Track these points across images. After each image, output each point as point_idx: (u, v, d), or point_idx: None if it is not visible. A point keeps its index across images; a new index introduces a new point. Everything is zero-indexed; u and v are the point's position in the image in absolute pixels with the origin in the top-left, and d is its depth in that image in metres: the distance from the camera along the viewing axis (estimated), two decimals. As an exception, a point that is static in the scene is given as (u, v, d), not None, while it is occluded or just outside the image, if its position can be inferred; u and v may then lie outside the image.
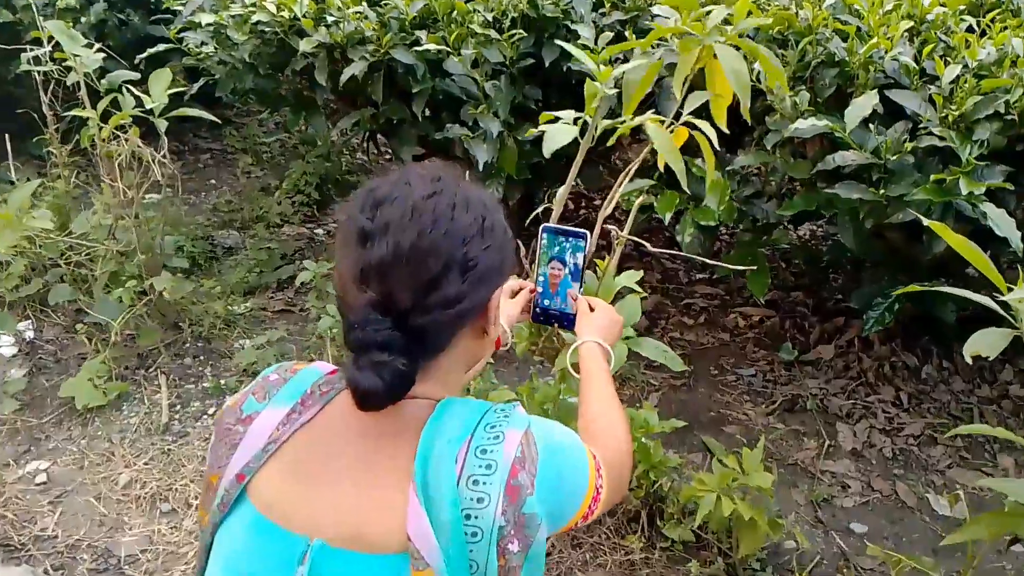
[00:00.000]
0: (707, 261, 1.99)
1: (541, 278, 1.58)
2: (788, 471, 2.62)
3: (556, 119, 1.61)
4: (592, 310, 1.56)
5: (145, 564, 2.29)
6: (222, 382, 3.00)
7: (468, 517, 0.80)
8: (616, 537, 2.33)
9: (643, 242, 1.75)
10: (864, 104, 1.95)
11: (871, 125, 2.02)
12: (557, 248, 1.61)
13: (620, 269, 1.98)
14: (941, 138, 1.90)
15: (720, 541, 2.25)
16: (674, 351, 3.26)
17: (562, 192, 1.83)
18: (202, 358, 3.18)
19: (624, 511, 2.36)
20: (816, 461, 2.66)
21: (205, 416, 2.85)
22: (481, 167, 2.61)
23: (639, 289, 2.03)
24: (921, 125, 1.99)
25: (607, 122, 1.54)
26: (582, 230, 1.63)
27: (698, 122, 1.50)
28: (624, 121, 1.56)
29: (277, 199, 4.51)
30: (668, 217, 2.53)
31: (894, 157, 1.97)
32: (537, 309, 1.59)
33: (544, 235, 1.61)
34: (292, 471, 0.87)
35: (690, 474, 2.43)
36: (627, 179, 1.82)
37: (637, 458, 2.25)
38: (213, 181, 4.96)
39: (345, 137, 4.05)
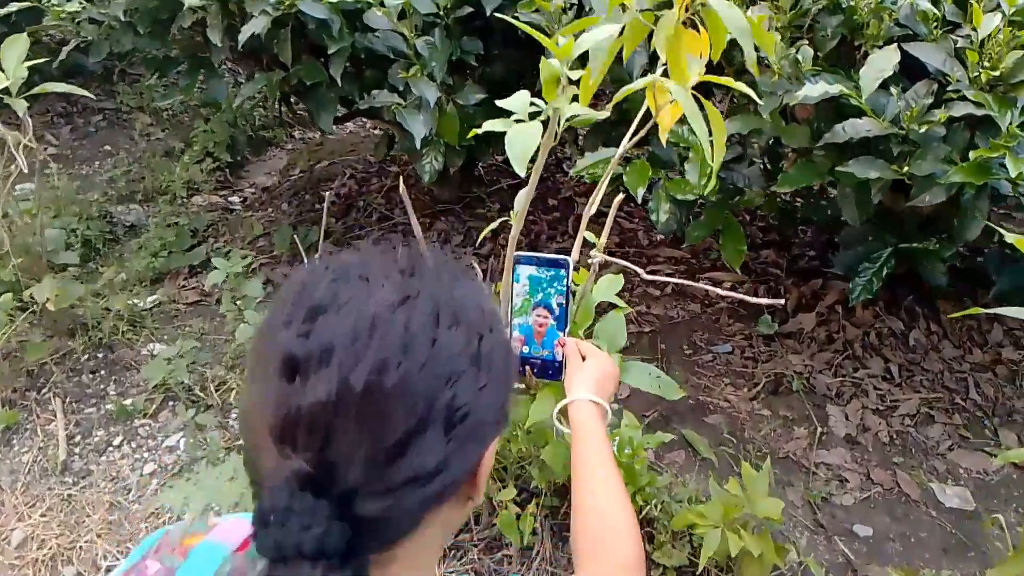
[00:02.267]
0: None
1: (519, 325, 1.28)
2: (780, 466, 2.37)
3: (505, 114, 1.22)
4: (583, 358, 1.23)
5: (47, 648, 1.91)
6: (128, 402, 2.58)
7: None
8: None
9: (635, 268, 1.40)
10: (883, 62, 1.61)
11: (892, 88, 1.68)
12: (540, 292, 1.29)
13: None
14: (977, 104, 1.58)
15: (719, 567, 1.99)
16: (642, 327, 2.98)
17: (523, 201, 1.46)
18: (103, 372, 2.74)
19: (608, 539, 2.07)
20: (809, 452, 2.41)
21: (111, 449, 2.44)
22: (418, 143, 2.19)
23: (622, 303, 1.70)
24: (951, 88, 1.66)
25: (621, 92, 1.16)
26: (562, 257, 1.29)
27: (725, 79, 1.14)
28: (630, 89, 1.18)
29: (184, 165, 3.98)
30: (640, 193, 2.18)
31: (920, 127, 1.64)
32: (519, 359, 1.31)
33: (520, 271, 1.28)
34: None
35: (678, 489, 2.15)
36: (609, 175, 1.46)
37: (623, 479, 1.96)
38: (108, 147, 4.38)
39: (253, 101, 3.54)
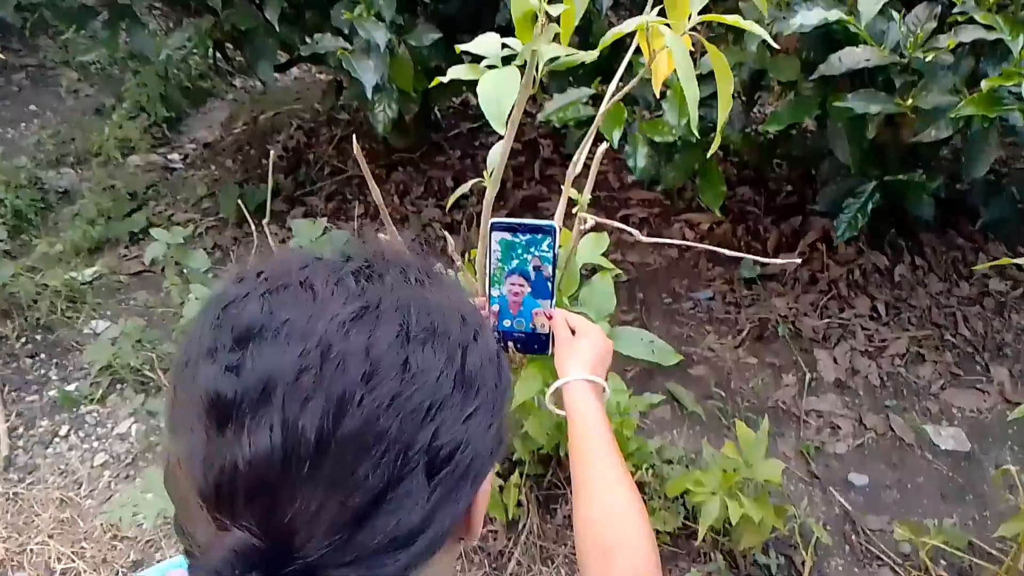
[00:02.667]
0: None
1: (493, 297, 1.12)
2: (770, 415, 2.27)
3: (472, 59, 1.05)
4: (572, 332, 1.09)
5: (0, 665, 1.76)
6: (72, 388, 2.39)
7: None
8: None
9: (632, 231, 1.25)
10: (883, -17, 1.45)
11: (891, 11, 1.52)
12: (515, 258, 1.11)
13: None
14: (987, 27, 1.43)
15: (715, 531, 1.90)
16: (617, 277, 2.84)
17: (497, 159, 1.29)
18: (43, 356, 2.53)
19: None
20: (799, 400, 2.31)
21: (57, 440, 2.25)
22: (369, 92, 1.98)
23: (609, 264, 1.54)
24: (956, 10, 1.50)
25: (611, 34, 0.98)
26: (547, 222, 1.09)
27: (732, 19, 0.96)
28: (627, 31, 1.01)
29: (115, 123, 3.70)
30: (616, 136, 2.01)
31: (924, 56, 1.48)
32: (495, 333, 1.14)
33: (495, 239, 1.10)
34: None
35: (667, 450, 2.04)
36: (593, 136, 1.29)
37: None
38: (33, 107, 4.06)
39: (184, 50, 3.26)
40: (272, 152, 1.95)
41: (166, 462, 0.47)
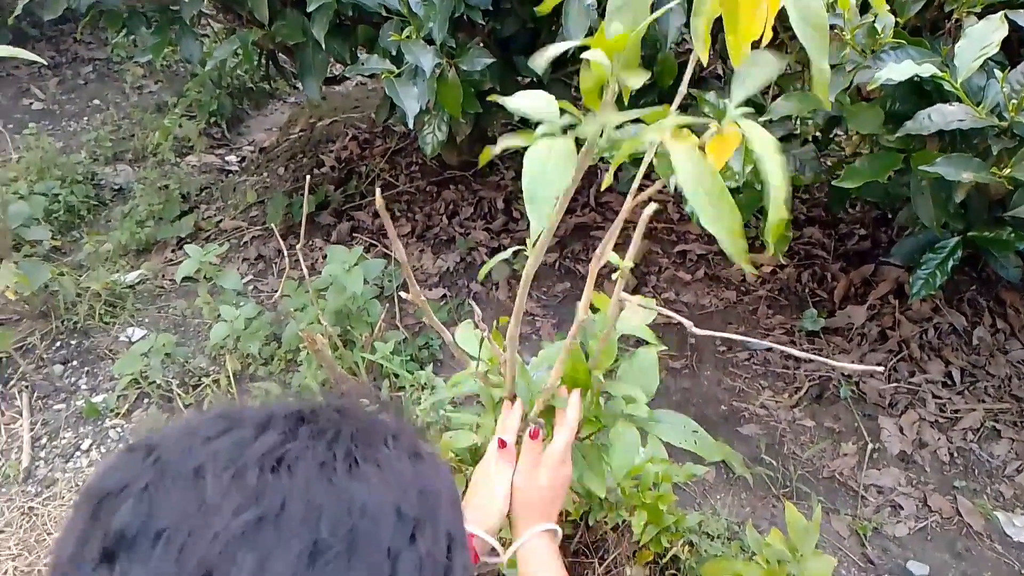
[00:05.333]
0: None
1: None
2: (825, 487, 2.09)
3: (513, 126, 0.91)
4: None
5: None
6: (99, 399, 2.34)
7: None
8: (617, 609, 1.80)
9: (682, 319, 1.10)
10: (986, 35, 1.27)
11: (993, 69, 1.34)
12: None
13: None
14: (1107, 90, 1.24)
15: (753, 619, 1.73)
16: (669, 319, 2.68)
17: (540, 246, 1.16)
18: (76, 363, 2.50)
19: (626, 583, 1.82)
20: (858, 472, 2.12)
21: (78, 454, 2.21)
22: (411, 120, 1.87)
23: (653, 338, 1.41)
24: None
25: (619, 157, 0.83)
26: None
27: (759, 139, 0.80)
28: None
29: (171, 122, 3.69)
30: (673, 181, 1.86)
31: (1026, 118, 1.30)
32: None
33: None
34: None
35: (708, 520, 1.89)
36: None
37: (645, 518, 1.70)
38: (97, 101, 4.08)
39: (238, 57, 3.22)
40: (309, 178, 1.86)
41: None
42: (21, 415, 2.29)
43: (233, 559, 0.36)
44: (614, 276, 1.30)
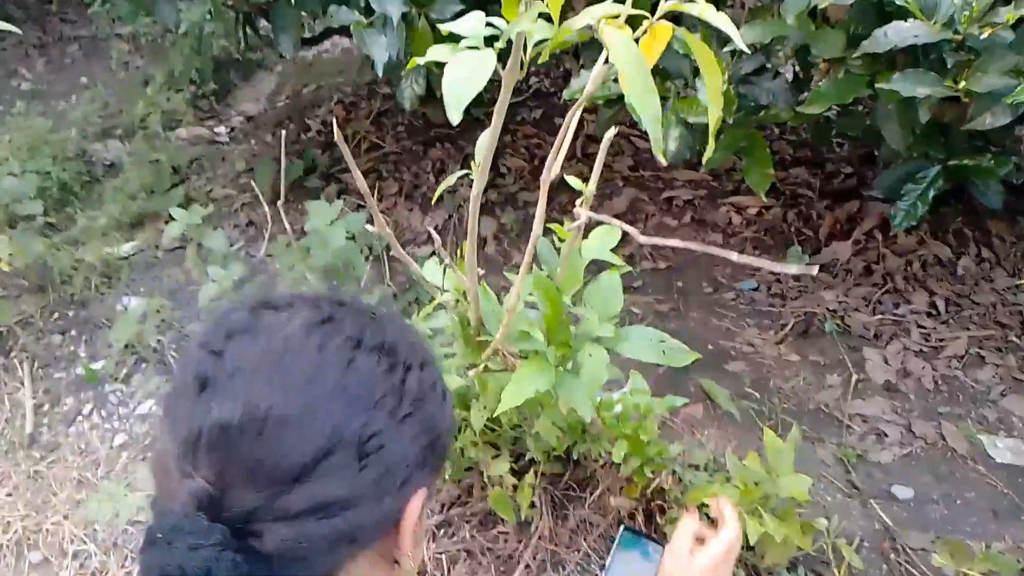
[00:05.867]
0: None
1: (615, 566, 1.54)
2: (810, 419, 2.13)
3: (452, 38, 0.95)
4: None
5: (11, 645, 1.78)
6: (98, 366, 2.39)
7: None
8: (606, 541, 1.84)
9: (630, 229, 1.13)
10: (938, -50, 1.27)
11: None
12: (635, 552, 1.53)
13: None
14: (1060, -1, 1.25)
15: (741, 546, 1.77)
16: (657, 263, 2.70)
17: (485, 148, 1.18)
18: (73, 333, 2.54)
19: (615, 515, 1.86)
20: (843, 402, 2.16)
21: (80, 418, 2.26)
22: (380, 69, 1.88)
23: (619, 261, 1.43)
24: (1023, -21, 1.31)
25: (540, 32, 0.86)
26: (660, 541, 1.46)
27: (700, 7, 0.82)
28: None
29: (160, 94, 3.70)
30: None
31: (980, 32, 1.31)
32: None
33: (624, 535, 1.51)
34: None
35: (692, 451, 1.92)
36: (575, 113, 1.18)
37: (628, 450, 1.73)
38: (84, 79, 4.09)
39: (212, 22, 3.22)
40: (284, 134, 1.88)
41: (158, 434, 0.57)
42: (23, 384, 2.35)
43: (307, 336, 0.55)
44: (578, 202, 1.33)
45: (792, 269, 1.06)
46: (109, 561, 1.89)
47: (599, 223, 1.47)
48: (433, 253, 2.65)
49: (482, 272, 1.38)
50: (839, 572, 1.73)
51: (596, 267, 1.43)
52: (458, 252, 1.34)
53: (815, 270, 1.03)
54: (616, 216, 2.81)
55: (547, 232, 1.42)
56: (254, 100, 3.99)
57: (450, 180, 1.32)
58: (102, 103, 3.81)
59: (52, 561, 1.92)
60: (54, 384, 2.37)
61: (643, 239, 1.16)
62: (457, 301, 1.37)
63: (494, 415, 1.36)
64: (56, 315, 2.60)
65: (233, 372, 0.53)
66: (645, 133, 3.15)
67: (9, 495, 2.07)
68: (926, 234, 2.55)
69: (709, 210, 2.81)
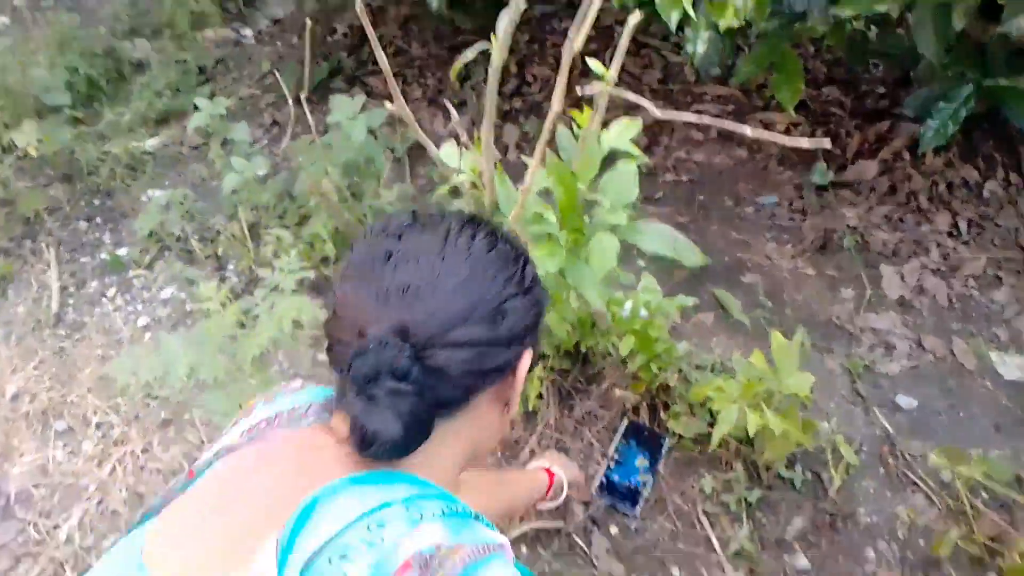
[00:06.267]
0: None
1: (616, 454, 1.81)
2: (821, 330, 2.13)
3: None
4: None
5: (40, 503, 1.87)
6: (123, 252, 2.45)
7: None
8: (609, 432, 1.89)
9: (645, 102, 1.13)
10: None
11: None
12: (635, 439, 1.85)
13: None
14: None
15: (739, 440, 1.81)
16: (680, 176, 2.69)
17: (504, 25, 1.18)
18: (99, 220, 2.60)
19: (620, 407, 1.90)
20: (855, 316, 2.16)
21: (104, 300, 2.33)
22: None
23: (637, 151, 1.43)
24: None
25: None
26: (662, 434, 1.84)
27: None
28: None
29: (184, -6, 3.67)
30: (674, 18, 1.84)
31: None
32: (603, 480, 1.78)
33: (628, 426, 1.86)
34: (206, 496, 0.71)
35: (700, 354, 1.95)
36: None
37: (635, 346, 1.76)
38: (114, -24, 4.06)
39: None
40: (310, 25, 1.87)
41: (332, 306, 0.74)
42: (49, 266, 2.41)
43: (461, 229, 0.74)
44: (592, 85, 1.33)
45: (803, 143, 1.06)
46: (131, 432, 1.98)
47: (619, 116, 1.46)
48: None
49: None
50: (836, 471, 1.76)
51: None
52: (476, 138, 1.34)
53: (826, 142, 1.03)
54: (643, 130, 2.80)
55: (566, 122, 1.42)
56: (281, 3, 3.95)
57: (468, 55, 1.32)
58: (131, 1, 3.80)
59: (76, 430, 2.01)
60: (80, 268, 2.43)
61: (658, 113, 1.16)
62: (473, 184, 1.39)
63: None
64: (83, 203, 2.65)
65: (411, 250, 0.71)
66: (676, 45, 3.09)
67: (35, 369, 2.15)
68: (955, 156, 2.50)
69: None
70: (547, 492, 1.59)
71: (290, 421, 0.81)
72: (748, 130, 1.10)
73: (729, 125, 1.09)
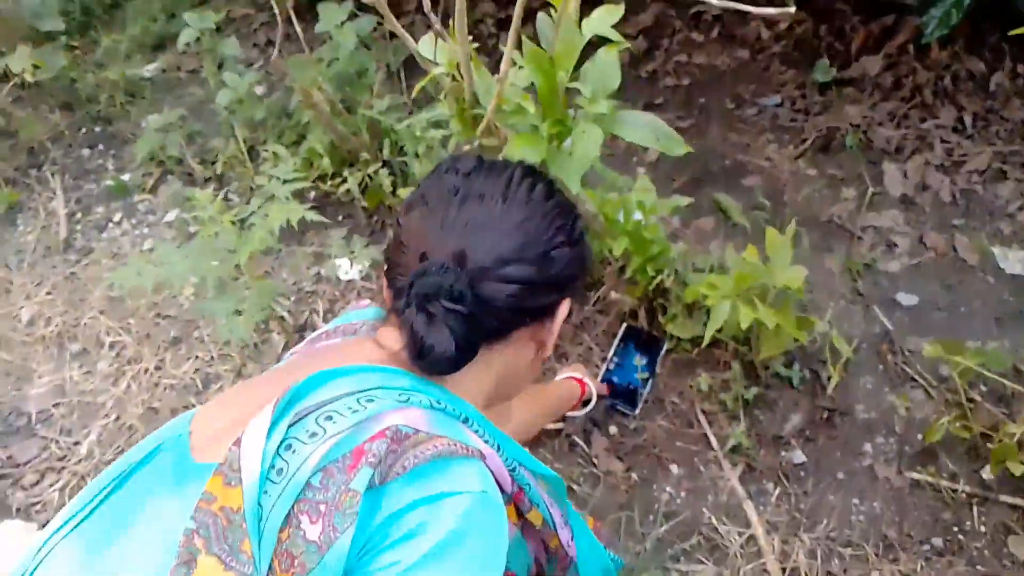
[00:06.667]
0: None
1: (616, 357, 1.85)
2: (820, 231, 2.13)
3: None
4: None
5: (59, 421, 1.94)
6: (126, 178, 2.47)
7: (288, 447, 0.67)
8: (608, 337, 1.92)
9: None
10: None
11: None
12: (634, 342, 1.88)
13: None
14: None
15: (736, 340, 1.83)
16: (680, 79, 2.64)
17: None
18: (101, 147, 2.61)
19: (618, 311, 1.92)
20: (856, 215, 2.15)
21: (111, 224, 2.36)
22: None
23: (618, 37, 1.40)
24: None
25: None
26: (660, 337, 1.87)
27: None
28: None
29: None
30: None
31: None
32: (603, 381, 1.81)
33: (627, 331, 1.89)
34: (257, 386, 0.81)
35: (698, 258, 1.95)
36: None
37: (630, 248, 1.76)
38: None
39: None
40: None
41: (394, 235, 0.82)
42: (55, 194, 2.44)
43: (523, 176, 0.82)
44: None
45: (770, 11, 1.04)
46: (143, 350, 2.03)
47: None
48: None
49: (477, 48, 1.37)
50: (835, 369, 1.78)
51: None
52: (449, 23, 1.32)
53: (791, 10, 1.01)
54: (641, 31, 2.74)
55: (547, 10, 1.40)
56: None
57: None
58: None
59: (90, 351, 2.07)
60: (85, 195, 2.46)
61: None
62: (452, 76, 1.38)
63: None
64: (84, 131, 2.66)
65: (476, 189, 0.79)
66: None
67: (48, 293, 2.20)
68: (960, 49, 2.43)
69: (739, 26, 2.70)
70: (579, 401, 1.69)
71: (344, 334, 0.93)
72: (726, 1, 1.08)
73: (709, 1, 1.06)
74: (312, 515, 0.63)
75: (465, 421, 0.78)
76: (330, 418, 0.69)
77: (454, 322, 0.72)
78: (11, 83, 2.48)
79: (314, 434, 0.67)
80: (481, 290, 0.74)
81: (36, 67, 2.39)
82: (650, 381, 1.82)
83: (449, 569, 0.65)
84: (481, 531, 0.68)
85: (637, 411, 1.78)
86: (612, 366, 1.84)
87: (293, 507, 0.64)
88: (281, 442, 0.67)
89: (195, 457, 0.70)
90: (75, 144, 2.61)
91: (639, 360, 1.84)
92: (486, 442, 0.79)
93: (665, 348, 1.87)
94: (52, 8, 2.93)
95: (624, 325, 1.90)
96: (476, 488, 0.69)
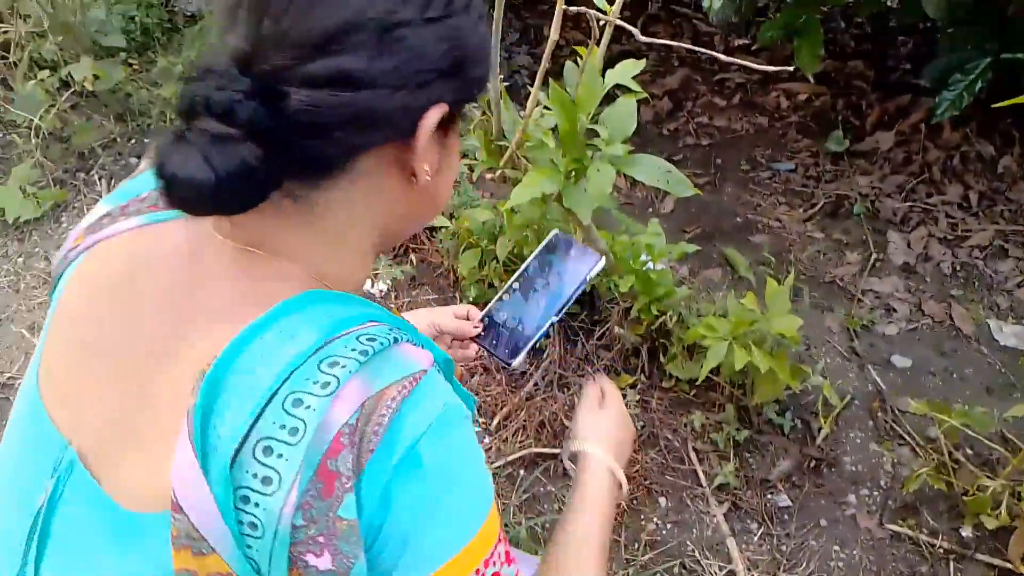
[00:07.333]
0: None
1: (516, 284, 1.10)
2: (823, 291, 2.21)
3: None
4: (603, 400, 1.05)
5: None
6: (169, 187, 2.61)
7: (246, 500, 0.53)
8: (610, 375, 2.00)
9: (630, 28, 1.22)
10: None
11: None
12: (555, 259, 1.09)
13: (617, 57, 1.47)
14: None
15: (732, 384, 1.91)
16: (699, 139, 2.77)
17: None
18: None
19: (620, 349, 2.01)
20: (858, 278, 2.23)
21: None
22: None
23: (637, 87, 1.52)
24: None
25: None
26: (597, 254, 1.07)
27: None
28: None
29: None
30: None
31: None
32: (487, 317, 1.10)
33: (552, 240, 1.11)
34: (77, 316, 0.63)
35: (702, 304, 2.04)
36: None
37: (636, 288, 1.86)
38: (171, -69, 4.23)
39: None
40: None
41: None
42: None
43: None
44: (601, 21, 1.42)
45: (769, 69, 1.14)
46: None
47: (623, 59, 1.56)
48: (484, 113, 2.75)
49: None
50: (825, 421, 1.85)
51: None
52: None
53: (789, 69, 1.11)
54: (667, 92, 2.87)
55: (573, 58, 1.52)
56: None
57: None
58: (186, -45, 3.95)
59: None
60: (129, 200, 2.59)
61: (642, 38, 1.24)
62: (483, 111, 1.50)
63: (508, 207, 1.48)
64: (133, 141, 2.82)
65: None
66: (704, 13, 3.13)
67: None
68: (972, 132, 2.55)
69: (759, 94, 2.84)
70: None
71: (136, 212, 0.68)
72: (722, 55, 1.18)
73: (703, 51, 1.17)
74: (315, 550, 0.54)
75: (396, 340, 0.59)
76: (269, 449, 0.53)
77: (219, 149, 0.51)
78: (71, 90, 2.64)
79: (267, 479, 0.53)
80: (284, 102, 0.53)
81: (96, 78, 2.55)
82: (553, 322, 1.05)
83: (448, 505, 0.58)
84: (459, 455, 0.59)
85: (516, 362, 1.05)
86: (510, 294, 1.11)
87: (290, 550, 0.54)
88: (235, 491, 0.53)
89: (121, 503, 0.57)
90: (124, 152, 2.76)
91: (565, 268, 1.10)
92: (410, 342, 0.61)
93: (599, 268, 1.07)
94: (115, 26, 3.12)
95: (553, 232, 1.14)
96: (437, 411, 0.58)
